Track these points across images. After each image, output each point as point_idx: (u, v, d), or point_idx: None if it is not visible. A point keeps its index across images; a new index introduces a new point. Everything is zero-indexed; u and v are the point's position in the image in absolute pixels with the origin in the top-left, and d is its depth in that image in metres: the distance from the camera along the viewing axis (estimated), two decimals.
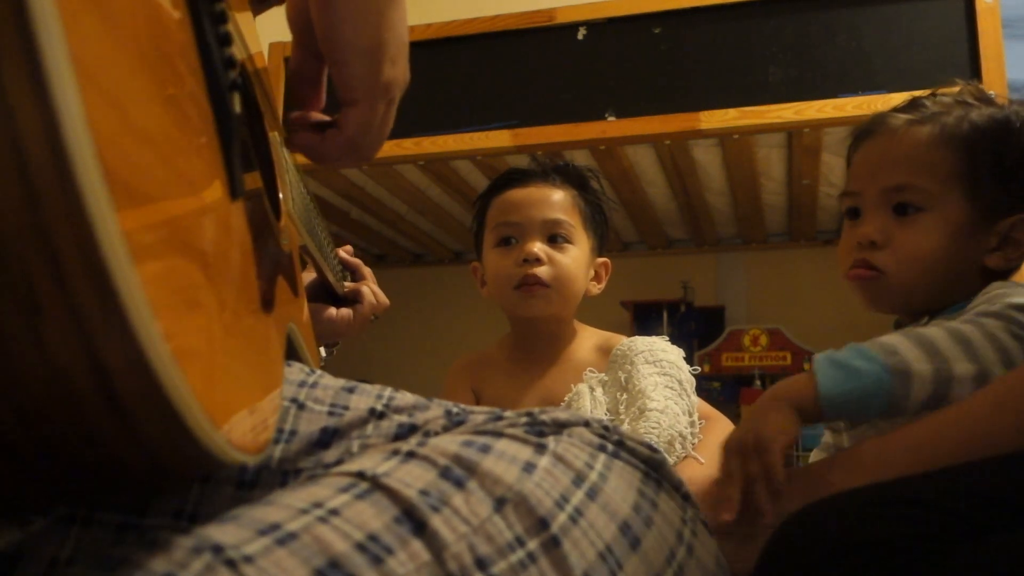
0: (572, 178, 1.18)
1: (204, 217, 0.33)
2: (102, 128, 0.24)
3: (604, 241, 1.21)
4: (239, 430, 0.33)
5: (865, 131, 0.83)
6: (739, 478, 0.59)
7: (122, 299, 0.24)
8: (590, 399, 1.07)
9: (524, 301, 1.12)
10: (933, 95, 0.83)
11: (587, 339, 1.19)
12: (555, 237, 1.13)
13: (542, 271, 1.11)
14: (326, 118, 0.55)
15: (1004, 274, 0.76)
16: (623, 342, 1.13)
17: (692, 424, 1.04)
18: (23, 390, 0.25)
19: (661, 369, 1.07)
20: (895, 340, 0.63)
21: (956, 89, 0.84)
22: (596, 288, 1.19)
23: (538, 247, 1.11)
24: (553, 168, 1.18)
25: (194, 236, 0.32)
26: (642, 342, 1.11)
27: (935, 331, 0.64)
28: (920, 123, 0.78)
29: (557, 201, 1.15)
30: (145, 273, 0.25)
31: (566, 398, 1.10)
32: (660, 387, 1.04)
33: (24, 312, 0.24)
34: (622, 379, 1.07)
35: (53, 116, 0.22)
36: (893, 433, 0.61)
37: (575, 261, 1.14)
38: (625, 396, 1.05)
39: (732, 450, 0.61)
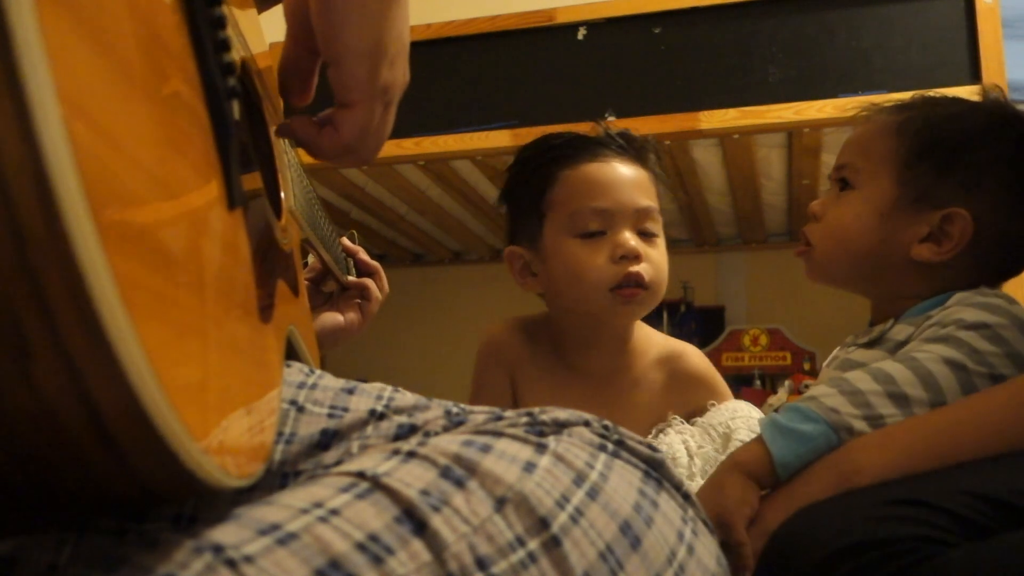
0: (640, 152, 1.00)
1: (200, 238, 0.33)
2: (90, 161, 0.23)
3: None
4: (234, 461, 0.33)
5: (854, 124, 0.86)
6: None
7: (112, 338, 0.23)
8: (685, 454, 0.90)
9: (621, 307, 0.93)
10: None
11: (648, 349, 1.01)
12: (645, 231, 0.95)
13: (643, 270, 0.92)
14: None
15: (959, 272, 0.75)
16: (721, 412, 0.95)
17: None
18: (13, 428, 0.25)
19: None
20: (832, 399, 0.64)
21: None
22: None
23: (635, 240, 0.93)
24: (618, 135, 0.99)
25: (189, 261, 0.31)
26: (744, 409, 0.95)
27: (866, 380, 0.65)
28: (882, 113, 0.81)
29: (641, 182, 0.96)
30: (136, 309, 0.25)
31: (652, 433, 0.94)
32: None
33: (13, 353, 0.23)
34: (717, 440, 0.91)
35: (38, 152, 0.22)
36: (922, 417, 0.62)
37: (665, 256, 0.96)
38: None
39: None
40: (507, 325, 1.03)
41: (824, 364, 0.83)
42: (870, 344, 0.76)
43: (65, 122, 0.22)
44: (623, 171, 0.96)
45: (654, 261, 0.94)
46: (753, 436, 0.81)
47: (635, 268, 0.92)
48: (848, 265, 0.79)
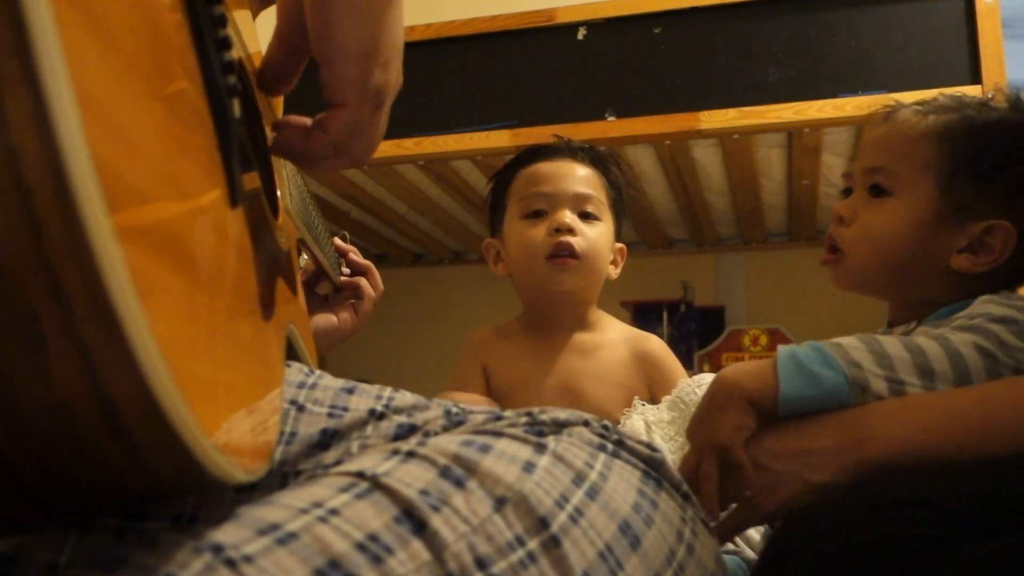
0: (596, 159, 1.18)
1: (207, 234, 0.33)
2: (105, 156, 0.24)
3: (621, 226, 1.20)
4: (242, 455, 0.33)
5: (874, 120, 0.83)
6: (710, 478, 0.61)
7: (127, 331, 0.24)
8: (644, 430, 1.01)
9: (555, 273, 1.09)
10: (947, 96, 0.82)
11: (612, 329, 1.16)
12: (585, 213, 1.12)
13: (574, 241, 1.09)
14: (307, 122, 0.53)
15: (985, 279, 0.74)
16: (689, 385, 1.03)
17: None
18: (28, 420, 0.25)
19: None
20: (859, 352, 0.63)
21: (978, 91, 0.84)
22: (614, 272, 1.17)
23: (570, 217, 1.10)
24: (578, 146, 1.18)
25: (198, 256, 0.32)
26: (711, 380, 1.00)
27: (897, 346, 0.64)
28: (916, 115, 0.78)
29: (586, 176, 1.14)
30: (150, 302, 0.25)
31: (622, 421, 1.04)
32: None
33: (28, 345, 0.24)
34: (687, 411, 0.98)
35: (56, 147, 0.22)
36: (945, 392, 0.61)
37: (603, 237, 1.13)
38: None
39: (697, 451, 0.63)
40: (483, 328, 1.22)
41: None
42: None
43: (81, 118, 0.23)
44: (569, 167, 1.14)
45: (588, 236, 1.10)
46: None
47: (566, 239, 1.08)
48: (884, 274, 0.77)
